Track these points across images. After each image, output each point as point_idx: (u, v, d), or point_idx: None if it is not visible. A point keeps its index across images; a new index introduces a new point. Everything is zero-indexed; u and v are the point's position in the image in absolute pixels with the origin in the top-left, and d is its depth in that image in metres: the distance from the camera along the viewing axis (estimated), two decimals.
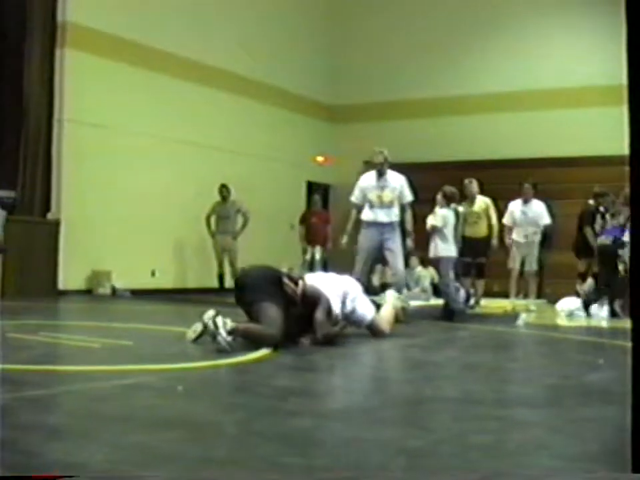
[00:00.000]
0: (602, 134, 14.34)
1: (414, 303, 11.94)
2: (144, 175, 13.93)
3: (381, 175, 9.57)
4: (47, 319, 8.98)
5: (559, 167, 15.77)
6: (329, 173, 18.70)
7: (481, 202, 12.08)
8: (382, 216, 9.41)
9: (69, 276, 12.68)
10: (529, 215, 12.01)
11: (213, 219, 14.13)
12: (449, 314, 9.82)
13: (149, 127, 14.11)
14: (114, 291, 13.10)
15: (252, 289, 6.29)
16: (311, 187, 18.06)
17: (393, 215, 9.45)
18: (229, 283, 13.47)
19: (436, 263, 10.20)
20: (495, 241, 11.94)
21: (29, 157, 12.61)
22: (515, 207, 12.16)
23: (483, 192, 12.27)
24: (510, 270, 12.10)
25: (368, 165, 16.37)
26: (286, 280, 6.43)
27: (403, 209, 9.59)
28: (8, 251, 11.68)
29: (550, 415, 4.10)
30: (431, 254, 10.02)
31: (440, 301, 10.85)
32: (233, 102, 15.91)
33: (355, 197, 9.77)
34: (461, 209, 11.35)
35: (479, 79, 17.38)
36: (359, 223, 9.71)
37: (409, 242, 9.89)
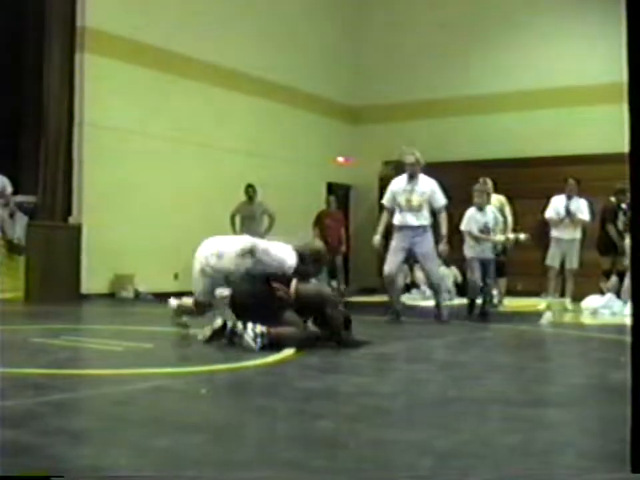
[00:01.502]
0: (622, 130, 14.20)
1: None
2: (165, 178, 13.95)
3: (411, 177, 9.40)
4: (70, 322, 9.00)
5: (578, 164, 15.60)
6: (349, 173, 18.66)
7: (495, 200, 11.97)
8: (410, 219, 9.28)
9: (92, 280, 12.68)
10: (571, 211, 11.78)
11: (237, 219, 14.03)
12: (484, 313, 9.87)
13: (170, 130, 14.13)
14: (137, 294, 13.12)
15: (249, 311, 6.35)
16: (332, 188, 17.98)
17: (422, 218, 9.29)
18: None
19: (485, 262, 10.05)
20: (510, 236, 11.80)
21: (49, 161, 12.65)
22: (559, 202, 11.86)
23: (497, 191, 12.19)
24: (548, 268, 11.79)
25: (388, 165, 16.47)
26: (275, 285, 6.41)
27: (434, 213, 9.47)
28: (30, 256, 11.75)
29: (576, 414, 4.06)
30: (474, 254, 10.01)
31: (464, 301, 10.76)
32: (253, 104, 15.90)
33: (386, 200, 9.64)
34: None
35: (497, 78, 17.28)
36: (391, 225, 9.55)
37: (442, 246, 9.55)
